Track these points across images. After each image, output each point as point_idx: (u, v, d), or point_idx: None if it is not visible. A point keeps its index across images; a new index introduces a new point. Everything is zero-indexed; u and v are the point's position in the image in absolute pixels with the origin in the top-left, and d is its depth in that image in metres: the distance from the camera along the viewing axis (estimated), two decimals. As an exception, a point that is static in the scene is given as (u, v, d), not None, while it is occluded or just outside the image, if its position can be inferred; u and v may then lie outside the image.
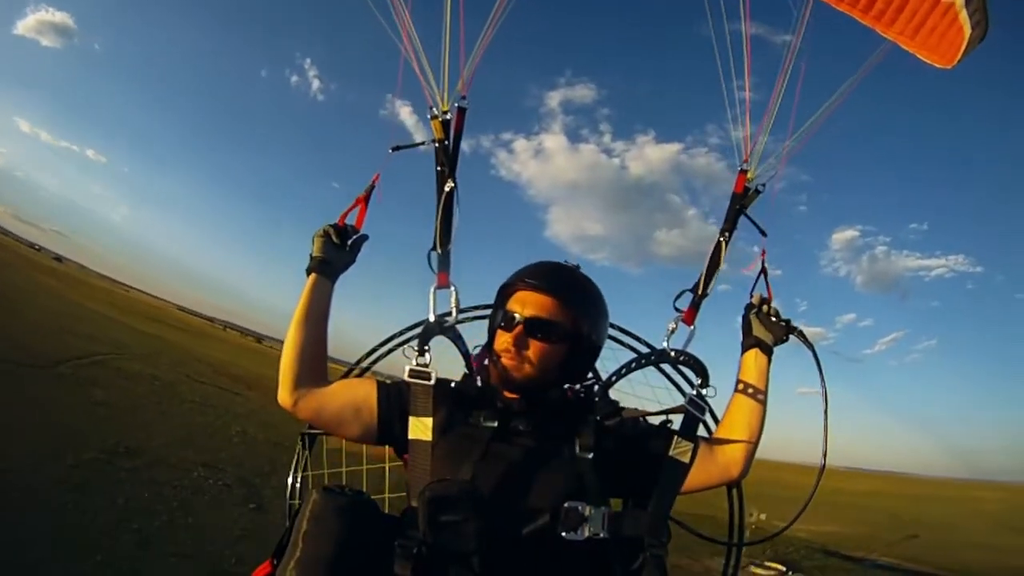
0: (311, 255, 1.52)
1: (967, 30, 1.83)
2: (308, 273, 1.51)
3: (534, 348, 1.42)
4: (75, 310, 17.91)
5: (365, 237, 1.60)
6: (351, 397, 1.46)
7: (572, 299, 1.46)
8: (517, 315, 1.43)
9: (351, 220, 1.61)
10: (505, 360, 1.42)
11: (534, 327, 1.42)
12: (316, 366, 1.47)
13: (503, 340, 1.44)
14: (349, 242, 1.57)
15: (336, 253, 1.53)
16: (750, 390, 1.56)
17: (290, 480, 1.90)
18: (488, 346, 1.56)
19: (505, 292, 1.52)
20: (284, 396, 1.44)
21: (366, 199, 1.63)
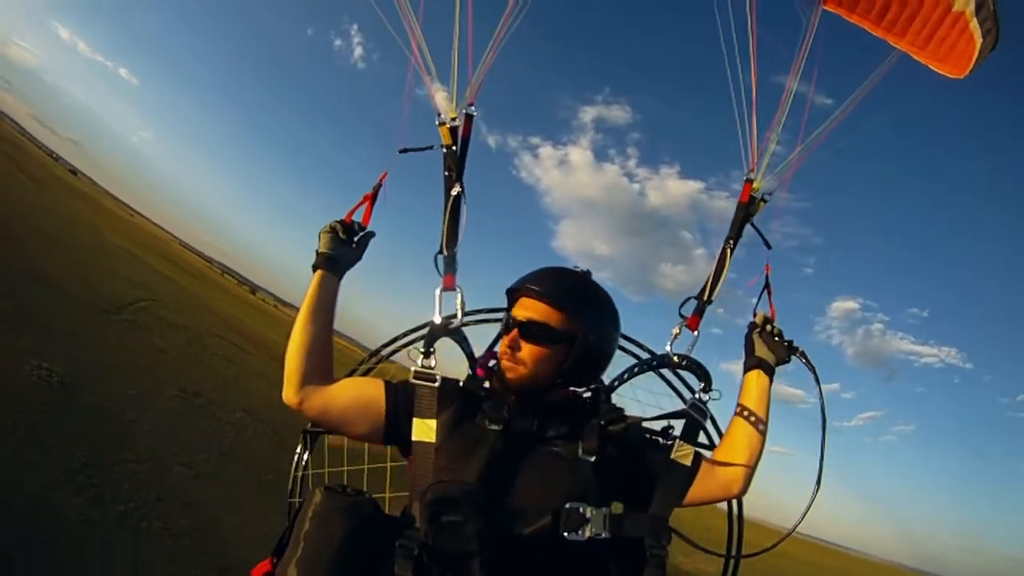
0: (317, 251, 1.52)
1: (978, 39, 1.83)
2: (314, 269, 1.51)
3: (527, 350, 1.43)
4: (104, 243, 17.88)
5: (372, 234, 1.61)
6: (358, 396, 1.46)
7: (569, 302, 1.45)
8: (514, 318, 1.45)
9: (357, 217, 1.61)
10: (504, 361, 1.44)
11: (527, 330, 1.43)
12: (322, 363, 1.47)
13: (502, 343, 1.46)
14: (356, 239, 1.57)
15: (342, 249, 1.54)
16: (752, 410, 1.56)
17: (291, 478, 1.90)
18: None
19: (511, 298, 1.53)
20: (290, 394, 1.43)
21: (373, 197, 1.64)
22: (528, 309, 1.45)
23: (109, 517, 3.65)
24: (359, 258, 1.59)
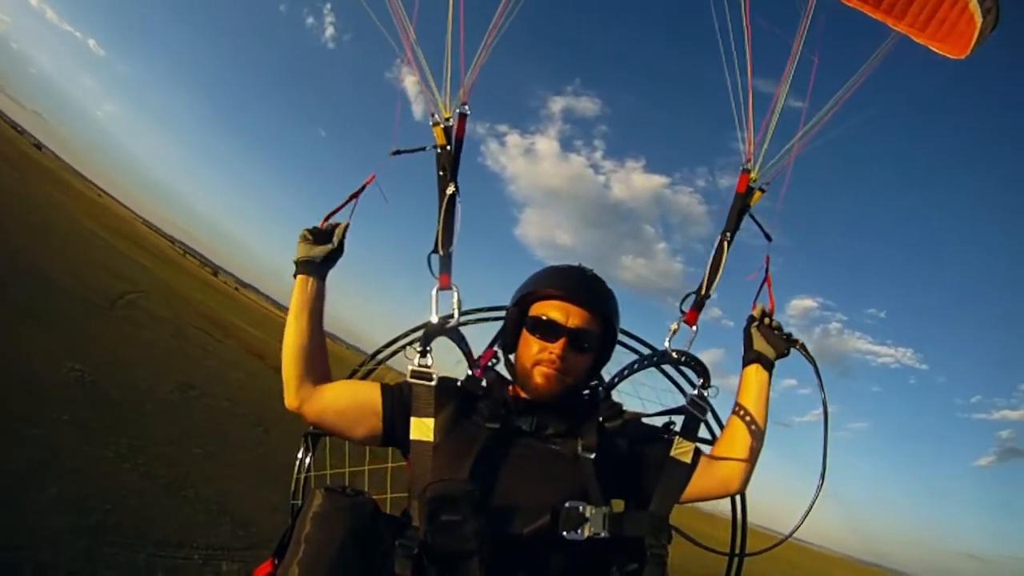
0: (295, 260, 1.52)
1: (978, 19, 1.79)
2: (295, 277, 1.51)
3: (576, 360, 1.43)
4: (80, 229, 18.35)
5: (346, 226, 1.57)
6: (356, 399, 1.46)
7: (606, 310, 1.48)
8: (562, 325, 1.42)
9: (341, 219, 1.59)
10: (546, 369, 1.41)
11: (580, 340, 1.43)
12: (316, 365, 1.47)
13: (541, 348, 1.42)
14: (331, 238, 1.54)
15: (317, 251, 1.52)
16: (750, 405, 1.55)
17: (293, 480, 1.92)
18: (507, 348, 1.56)
19: (535, 296, 1.50)
20: (290, 399, 1.44)
21: (356, 195, 1.63)
22: (575, 317, 1.44)
23: (158, 487, 4.56)
24: (340, 253, 1.55)
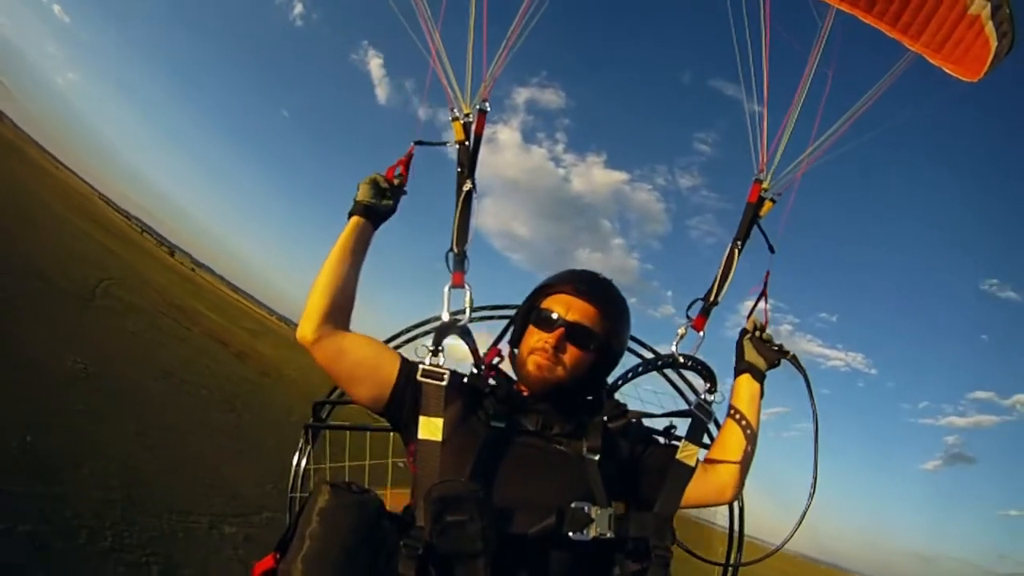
0: (355, 199, 1.52)
1: (993, 42, 1.81)
2: (350, 216, 1.51)
3: (570, 353, 1.43)
4: (50, 212, 18.62)
5: (405, 191, 1.61)
6: (373, 356, 1.43)
7: (611, 312, 1.48)
8: (560, 317, 1.43)
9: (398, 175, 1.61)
10: (538, 358, 1.42)
11: (575, 332, 1.43)
12: (344, 309, 1.44)
13: (538, 338, 1.44)
14: (392, 193, 1.57)
15: (381, 200, 1.54)
16: (742, 415, 1.56)
17: (292, 473, 1.90)
18: (514, 342, 1.56)
19: (545, 291, 1.52)
20: (306, 331, 1.38)
21: (407, 163, 1.65)
22: (575, 311, 1.44)
23: (164, 466, 5.37)
24: (394, 211, 1.58)
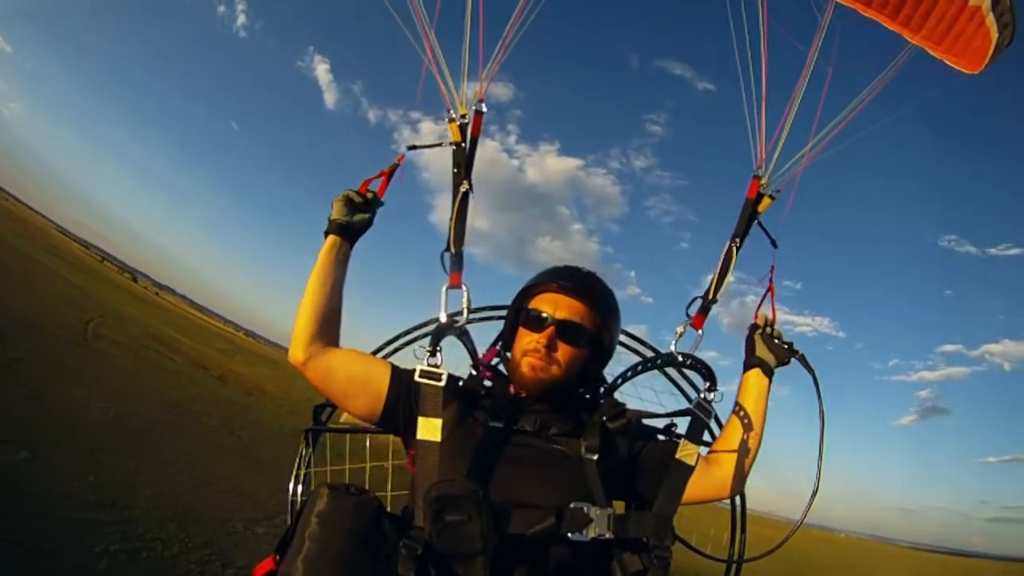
0: (329, 218, 1.52)
1: (994, 34, 1.80)
2: (326, 235, 1.51)
3: (563, 351, 1.42)
4: (22, 257, 19.43)
5: (382, 203, 1.60)
6: (363, 370, 1.45)
7: (599, 306, 1.47)
8: (548, 316, 1.43)
9: (373, 188, 1.60)
10: (532, 359, 1.42)
11: (566, 330, 1.42)
12: (331, 327, 1.46)
13: (529, 339, 1.44)
14: (367, 207, 1.55)
15: (354, 216, 1.52)
16: (749, 410, 1.55)
17: (293, 477, 1.90)
18: (505, 345, 1.56)
19: (531, 291, 1.51)
20: (296, 352, 1.41)
21: (390, 173, 1.63)
22: (563, 308, 1.44)
23: (198, 486, 6.23)
24: (370, 224, 1.57)
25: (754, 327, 1.65)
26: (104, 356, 11.01)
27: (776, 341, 1.61)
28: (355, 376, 1.43)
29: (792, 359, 1.61)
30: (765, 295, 1.73)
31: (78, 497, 4.39)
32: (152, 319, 25.10)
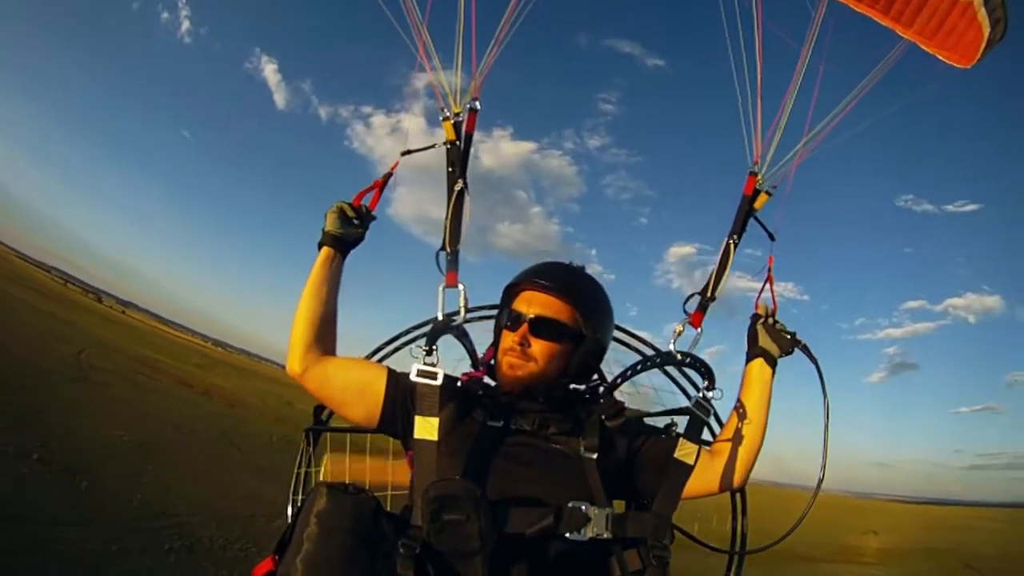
0: (323, 230, 1.54)
1: (986, 29, 1.80)
2: (320, 247, 1.53)
3: (538, 347, 1.42)
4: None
5: (374, 217, 1.62)
6: (359, 377, 1.46)
7: (578, 299, 1.46)
8: (523, 314, 1.44)
9: (365, 202, 1.62)
10: (510, 358, 1.42)
11: (539, 326, 1.42)
12: (326, 337, 1.48)
13: (509, 339, 1.44)
14: (361, 220, 1.58)
15: (348, 229, 1.55)
16: (752, 400, 1.55)
17: (293, 475, 1.90)
18: (495, 345, 1.55)
19: (511, 292, 1.52)
20: (293, 364, 1.44)
21: (382, 185, 1.65)
22: (537, 304, 1.44)
23: (217, 494, 7.02)
24: (362, 238, 1.60)
25: (756, 317, 1.65)
26: (102, 386, 11.66)
27: (780, 331, 1.61)
28: (351, 384, 1.45)
29: (795, 348, 1.61)
30: (764, 285, 1.73)
31: (133, 512, 5.45)
32: (129, 341, 25.39)
